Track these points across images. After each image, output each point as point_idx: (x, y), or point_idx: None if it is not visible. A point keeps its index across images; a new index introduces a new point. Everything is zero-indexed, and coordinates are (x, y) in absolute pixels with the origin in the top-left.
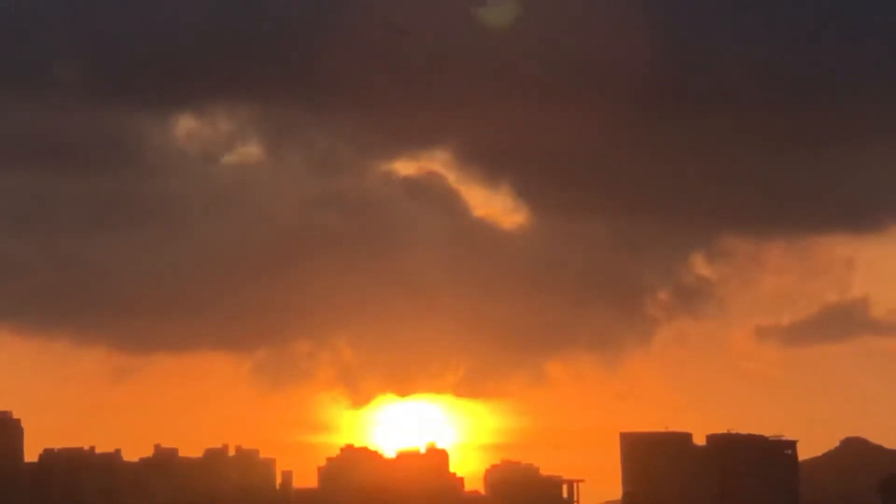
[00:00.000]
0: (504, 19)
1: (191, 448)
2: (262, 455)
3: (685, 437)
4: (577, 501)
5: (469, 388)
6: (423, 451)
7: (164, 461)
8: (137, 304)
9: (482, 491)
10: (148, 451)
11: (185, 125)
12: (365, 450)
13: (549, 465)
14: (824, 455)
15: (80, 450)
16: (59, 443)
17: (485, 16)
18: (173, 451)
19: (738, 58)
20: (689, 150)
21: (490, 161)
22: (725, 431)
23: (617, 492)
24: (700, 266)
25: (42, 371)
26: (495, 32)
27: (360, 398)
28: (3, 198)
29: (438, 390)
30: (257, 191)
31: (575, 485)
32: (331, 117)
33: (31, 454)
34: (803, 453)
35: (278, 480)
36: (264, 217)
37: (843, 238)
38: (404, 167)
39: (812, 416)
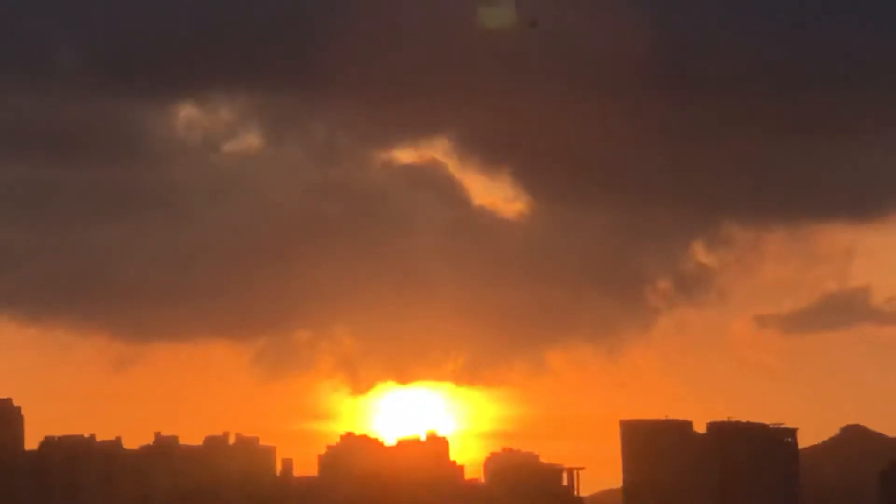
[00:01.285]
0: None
1: (191, 436)
2: (263, 443)
3: (685, 425)
4: (578, 489)
5: (469, 376)
6: (423, 438)
7: (164, 449)
8: (138, 293)
9: (482, 479)
10: (148, 439)
11: (187, 114)
12: (365, 437)
13: (549, 453)
14: (824, 443)
15: (80, 437)
16: (59, 430)
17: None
18: (174, 439)
19: (739, 46)
20: (689, 139)
21: (490, 149)
22: (726, 419)
23: (617, 479)
24: (700, 254)
25: (43, 359)
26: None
27: (360, 386)
28: (4, 187)
29: (439, 378)
30: (258, 179)
31: (575, 472)
32: (331, 106)
33: (31, 442)
34: (803, 441)
35: (279, 468)
36: (265, 206)
37: (844, 227)
38: (404, 155)
39: (812, 404)
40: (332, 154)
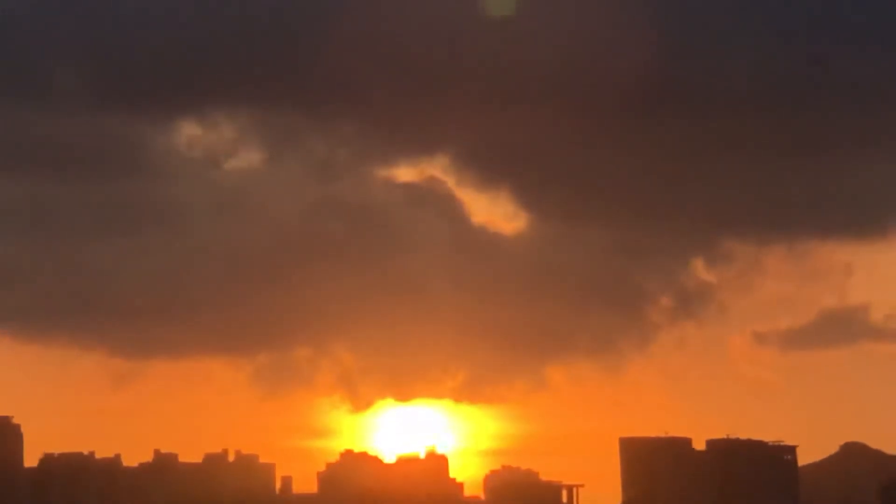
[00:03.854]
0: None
1: (190, 453)
2: (262, 460)
3: (685, 443)
4: None
5: (469, 393)
6: (422, 456)
7: (163, 466)
8: (138, 309)
9: (482, 496)
10: (147, 457)
11: (188, 131)
12: (364, 455)
13: (548, 471)
14: (824, 460)
15: (79, 455)
16: (58, 448)
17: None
18: (173, 457)
19: (739, 63)
20: (689, 156)
21: (490, 167)
22: (725, 437)
23: (617, 497)
24: (700, 271)
25: (42, 376)
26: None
27: (359, 403)
28: (5, 203)
29: (438, 395)
30: (259, 196)
31: (574, 490)
32: (331, 123)
33: (30, 459)
34: (803, 458)
35: (278, 485)
36: (265, 223)
37: (843, 244)
38: (404, 173)
39: (812, 421)
40: (332, 171)
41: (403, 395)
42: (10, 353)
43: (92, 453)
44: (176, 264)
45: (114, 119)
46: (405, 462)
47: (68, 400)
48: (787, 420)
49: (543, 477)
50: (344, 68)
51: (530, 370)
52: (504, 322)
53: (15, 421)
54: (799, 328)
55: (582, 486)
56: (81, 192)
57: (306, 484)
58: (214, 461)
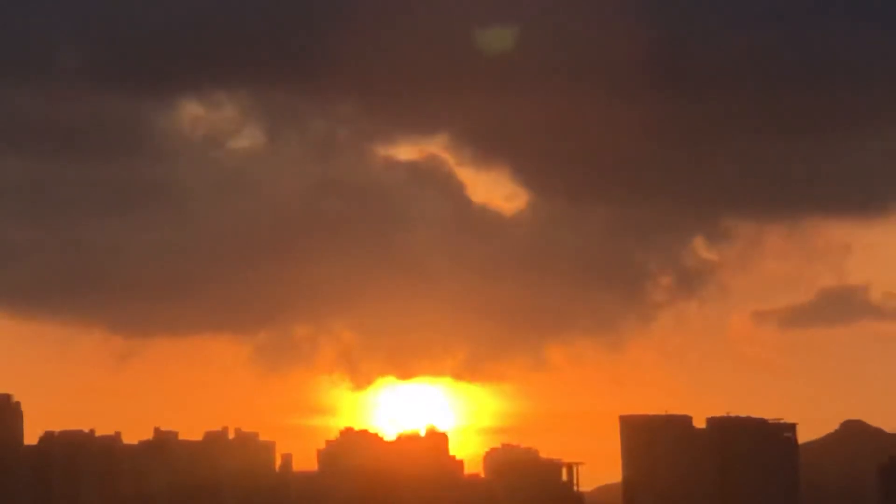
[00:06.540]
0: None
1: (190, 431)
2: (262, 438)
3: (685, 421)
4: (577, 484)
5: (469, 371)
6: (422, 433)
7: (163, 444)
8: (138, 288)
9: (482, 474)
10: (148, 434)
11: (190, 111)
12: (365, 433)
13: (548, 448)
14: (824, 438)
15: (79, 433)
16: (59, 426)
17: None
18: (173, 434)
19: (739, 42)
20: (690, 134)
21: (490, 145)
22: (725, 414)
23: (617, 475)
24: (701, 250)
25: (42, 354)
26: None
27: (360, 381)
28: (7, 182)
29: (438, 373)
30: (260, 176)
31: (575, 467)
32: (332, 102)
33: (31, 437)
34: (803, 436)
35: (278, 463)
36: (267, 202)
37: (843, 223)
38: (404, 151)
39: (812, 399)
40: (332, 150)
41: (404, 373)
42: (10, 330)
43: (92, 431)
44: (177, 243)
45: (116, 99)
46: (405, 440)
47: (68, 378)
48: (787, 398)
49: (543, 455)
50: (345, 47)
51: (530, 348)
52: (504, 300)
53: (15, 399)
54: (799, 307)
55: (582, 463)
56: (83, 171)
57: (306, 462)
58: (214, 439)
